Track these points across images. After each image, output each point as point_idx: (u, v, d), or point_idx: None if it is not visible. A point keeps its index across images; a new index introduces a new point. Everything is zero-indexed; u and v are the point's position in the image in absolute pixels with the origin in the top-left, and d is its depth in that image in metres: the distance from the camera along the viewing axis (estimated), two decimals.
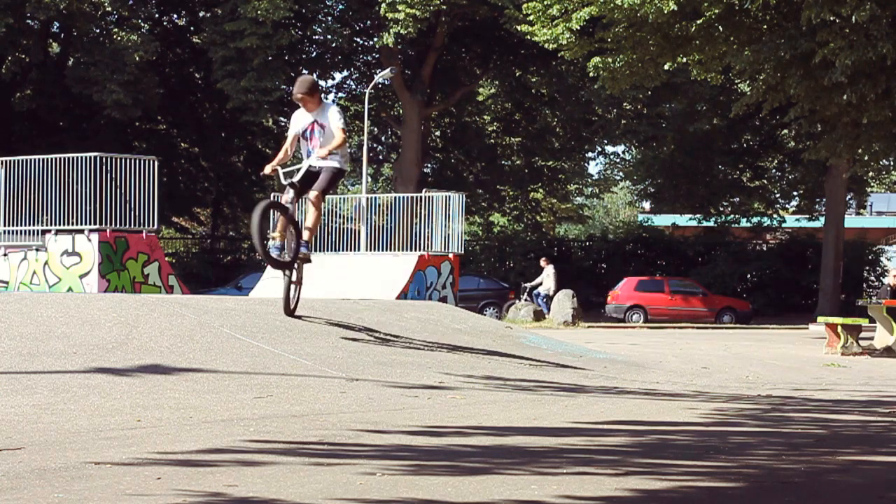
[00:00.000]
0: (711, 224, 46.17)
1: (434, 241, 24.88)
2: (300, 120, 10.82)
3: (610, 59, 24.25)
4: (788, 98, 22.79)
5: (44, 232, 20.11)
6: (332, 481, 4.67)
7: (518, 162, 49.77)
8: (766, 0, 21.95)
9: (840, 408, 9.14)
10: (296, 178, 10.52)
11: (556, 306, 31.77)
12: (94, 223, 19.50)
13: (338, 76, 45.83)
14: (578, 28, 23.92)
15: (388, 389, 8.54)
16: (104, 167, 20.00)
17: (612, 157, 58.74)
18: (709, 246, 44.91)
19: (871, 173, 46.61)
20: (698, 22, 22.60)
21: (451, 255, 24.38)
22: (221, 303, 12.50)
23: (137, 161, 20.45)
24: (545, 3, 24.25)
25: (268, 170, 10.46)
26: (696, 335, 27.56)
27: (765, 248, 45.53)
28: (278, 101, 39.63)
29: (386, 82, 42.84)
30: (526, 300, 33.47)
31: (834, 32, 19.84)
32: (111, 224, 19.64)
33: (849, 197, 47.07)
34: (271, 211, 10.64)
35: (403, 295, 22.48)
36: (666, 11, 21.78)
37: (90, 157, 20.02)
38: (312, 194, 10.47)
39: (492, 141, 49.72)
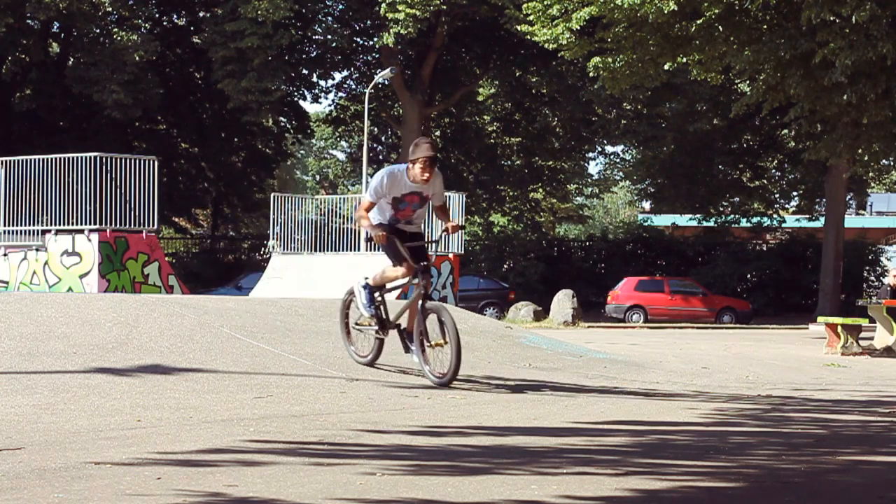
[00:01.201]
0: (711, 224, 46.16)
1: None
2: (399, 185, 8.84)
3: (610, 59, 24.24)
4: (788, 98, 22.77)
5: (44, 232, 20.11)
6: (332, 481, 4.67)
7: (518, 162, 49.77)
8: (766, 0, 21.94)
9: (840, 408, 9.14)
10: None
11: (556, 306, 31.77)
12: (94, 223, 19.50)
13: (338, 76, 45.88)
14: (578, 28, 23.90)
15: (388, 389, 8.55)
16: (104, 167, 20.00)
17: (612, 157, 58.77)
18: (709, 246, 44.91)
19: (871, 173, 46.57)
20: (698, 22, 22.58)
21: (451, 255, 24.38)
22: (221, 303, 12.51)
23: (137, 161, 20.46)
24: (545, 3, 24.24)
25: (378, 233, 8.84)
26: (696, 335, 27.55)
27: (765, 248, 45.52)
28: (279, 102, 39.62)
29: (386, 82, 42.84)
30: None
31: (834, 32, 19.83)
32: (111, 224, 19.64)
33: (849, 197, 47.05)
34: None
35: (403, 295, 22.43)
36: (666, 11, 21.76)
37: (90, 157, 20.02)
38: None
39: (492, 141, 49.72)
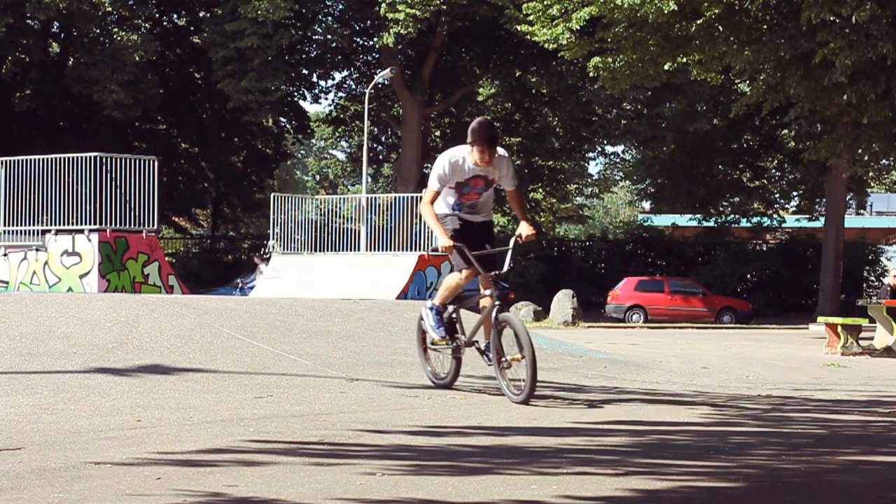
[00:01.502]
0: (711, 224, 46.17)
1: (434, 241, 24.89)
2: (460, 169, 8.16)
3: (610, 59, 24.25)
4: (788, 98, 22.77)
5: (44, 232, 20.12)
6: (332, 481, 4.67)
7: (518, 162, 49.78)
8: (766, 0, 21.95)
9: (840, 408, 9.14)
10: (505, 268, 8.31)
11: (556, 306, 31.77)
12: (94, 223, 19.51)
13: (338, 76, 45.89)
14: (578, 28, 23.91)
15: (388, 389, 8.55)
16: (104, 167, 20.02)
17: (612, 157, 58.78)
18: (709, 246, 44.92)
19: (871, 173, 46.59)
20: (698, 22, 22.59)
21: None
22: (221, 303, 12.52)
23: (137, 161, 20.47)
24: (545, 3, 24.24)
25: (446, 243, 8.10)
26: (696, 335, 27.55)
27: (765, 248, 45.53)
28: (279, 102, 39.62)
29: (386, 82, 42.86)
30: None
31: (834, 32, 19.83)
32: (111, 224, 19.65)
33: (849, 197, 47.06)
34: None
35: (403, 295, 22.50)
36: (666, 11, 21.77)
37: (90, 157, 20.03)
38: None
39: None
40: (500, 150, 8.15)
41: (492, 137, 7.97)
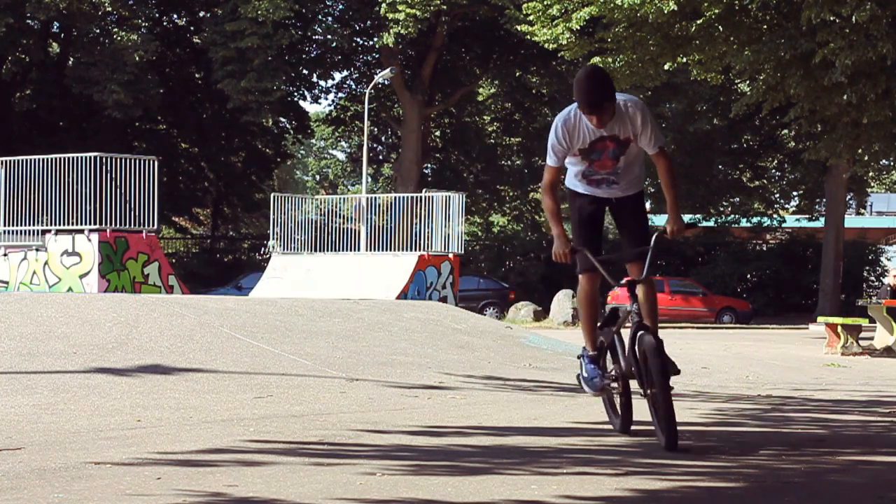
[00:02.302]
0: (711, 224, 46.18)
1: (434, 241, 24.91)
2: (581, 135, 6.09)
3: (610, 59, 24.23)
4: (788, 98, 22.77)
5: (44, 232, 20.12)
6: (332, 481, 4.67)
7: (518, 162, 49.77)
8: (766, 0, 21.94)
9: (840, 408, 9.14)
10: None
11: (556, 306, 31.79)
12: (94, 223, 19.52)
13: (338, 76, 45.89)
14: (578, 28, 23.90)
15: (388, 389, 8.55)
16: (104, 167, 20.02)
17: None
18: (709, 246, 44.92)
19: (871, 173, 46.58)
20: (698, 22, 22.58)
21: (451, 255, 24.39)
22: (221, 303, 12.52)
23: (137, 161, 20.48)
24: (545, 3, 24.23)
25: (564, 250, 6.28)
26: (696, 335, 27.54)
27: (765, 248, 45.54)
28: (279, 102, 39.63)
29: (386, 82, 42.84)
30: None
31: (834, 32, 19.82)
32: (111, 224, 19.66)
33: (849, 197, 47.05)
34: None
35: (403, 295, 22.51)
36: (666, 11, 21.76)
37: (90, 157, 20.04)
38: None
39: (492, 141, 49.72)
40: (624, 98, 6.09)
41: (603, 91, 5.87)
